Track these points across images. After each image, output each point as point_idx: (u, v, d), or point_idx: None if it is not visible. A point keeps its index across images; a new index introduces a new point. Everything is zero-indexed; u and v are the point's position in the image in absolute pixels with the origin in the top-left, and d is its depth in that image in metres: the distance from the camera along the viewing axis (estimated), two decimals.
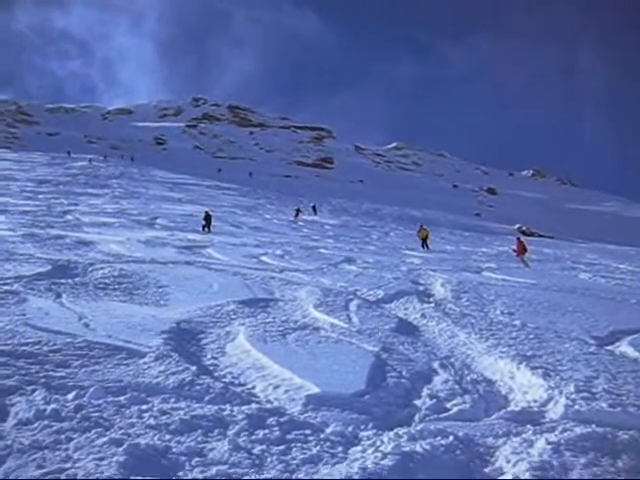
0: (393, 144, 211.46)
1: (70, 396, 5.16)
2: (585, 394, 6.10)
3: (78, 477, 3.80)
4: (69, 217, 25.54)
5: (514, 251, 25.75)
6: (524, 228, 77.53)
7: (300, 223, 40.49)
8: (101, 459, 4.07)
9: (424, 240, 30.47)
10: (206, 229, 27.26)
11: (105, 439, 4.38)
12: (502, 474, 4.35)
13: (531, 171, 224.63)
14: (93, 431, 4.52)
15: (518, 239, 27.08)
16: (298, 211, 45.52)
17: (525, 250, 25.09)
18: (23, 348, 6.33)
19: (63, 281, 10.47)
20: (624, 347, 8.71)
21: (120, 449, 4.22)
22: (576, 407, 5.74)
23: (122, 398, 5.23)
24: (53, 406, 4.89)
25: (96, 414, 4.83)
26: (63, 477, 3.81)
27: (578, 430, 5.11)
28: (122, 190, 46.16)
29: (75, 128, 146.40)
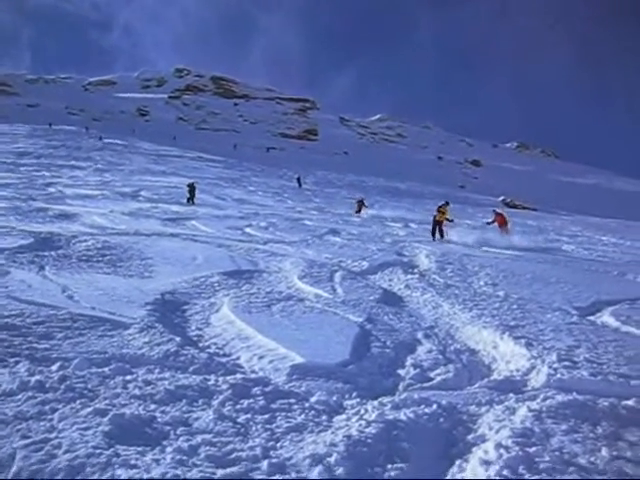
0: (377, 116, 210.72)
1: (54, 367, 5.13)
2: (567, 363, 6.18)
3: (63, 447, 3.80)
4: (51, 189, 25.34)
5: (488, 224, 25.37)
6: (508, 200, 77.94)
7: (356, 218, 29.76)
8: (86, 429, 4.07)
9: (439, 224, 21.50)
10: (190, 201, 27.16)
11: (90, 409, 4.37)
12: (485, 441, 4.40)
13: (515, 143, 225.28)
14: (78, 402, 4.51)
15: (494, 211, 26.60)
16: (361, 204, 34.39)
17: (505, 222, 24.64)
18: (6, 320, 6.29)
19: (46, 253, 10.40)
20: (605, 317, 8.81)
21: (105, 419, 4.22)
22: (558, 376, 5.81)
23: (106, 369, 5.22)
24: (37, 377, 4.86)
25: (80, 385, 4.82)
26: (48, 447, 3.81)
27: (559, 398, 5.18)
28: (105, 162, 45.77)
29: (55, 99, 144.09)
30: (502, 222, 24.41)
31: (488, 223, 25.26)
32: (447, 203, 22.98)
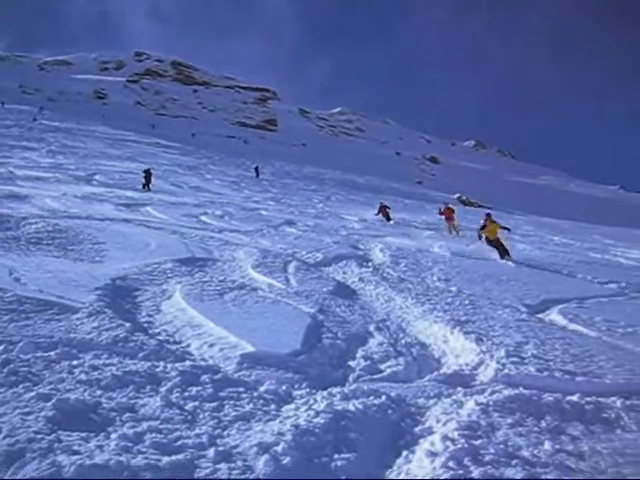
0: (337, 109, 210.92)
1: None
2: (515, 359, 6.29)
3: (3, 432, 3.71)
4: (1, 170, 24.61)
5: (440, 213, 25.80)
6: (464, 198, 78.80)
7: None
8: (28, 414, 3.98)
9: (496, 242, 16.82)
10: (146, 187, 26.79)
11: (33, 394, 4.28)
12: (432, 433, 4.44)
13: (473, 142, 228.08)
14: (20, 386, 4.41)
15: (446, 204, 26.99)
16: (385, 209, 28.55)
17: (452, 216, 25.12)
18: None
19: None
20: (554, 315, 9.00)
21: (48, 404, 4.14)
22: (505, 371, 5.91)
23: (52, 353, 5.11)
24: None
25: (24, 369, 4.71)
26: None
27: (506, 392, 5.28)
28: (59, 144, 44.75)
29: (9, 78, 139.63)
30: (449, 216, 24.99)
31: (441, 213, 25.81)
32: (489, 215, 17.45)
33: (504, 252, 15.88)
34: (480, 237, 16.85)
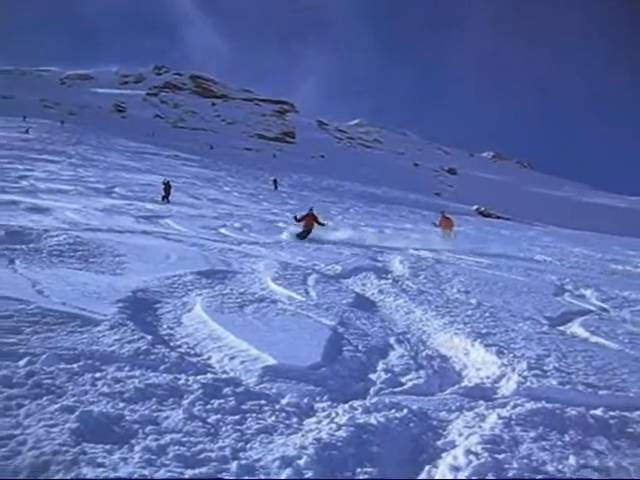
0: (356, 120, 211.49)
1: (21, 363, 5.02)
2: (536, 372, 6.25)
3: (28, 444, 3.74)
4: (24, 183, 24.87)
5: (436, 225, 25.65)
6: (482, 209, 78.48)
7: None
8: (52, 426, 4.00)
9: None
10: (165, 199, 26.96)
11: (57, 406, 4.30)
12: (454, 447, 4.41)
13: (491, 153, 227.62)
14: (44, 398, 4.43)
15: (442, 213, 26.82)
16: (312, 218, 19.84)
17: (451, 225, 25.06)
18: None
19: (17, 247, 10.20)
20: (575, 327, 8.93)
21: (72, 416, 4.15)
22: (527, 384, 5.86)
23: (75, 365, 5.12)
24: (4, 372, 4.76)
25: (48, 381, 4.73)
26: (13, 444, 3.73)
27: (529, 406, 5.23)
28: (79, 157, 45.15)
29: (31, 92, 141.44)
30: (447, 225, 24.86)
31: (436, 225, 25.70)
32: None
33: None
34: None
